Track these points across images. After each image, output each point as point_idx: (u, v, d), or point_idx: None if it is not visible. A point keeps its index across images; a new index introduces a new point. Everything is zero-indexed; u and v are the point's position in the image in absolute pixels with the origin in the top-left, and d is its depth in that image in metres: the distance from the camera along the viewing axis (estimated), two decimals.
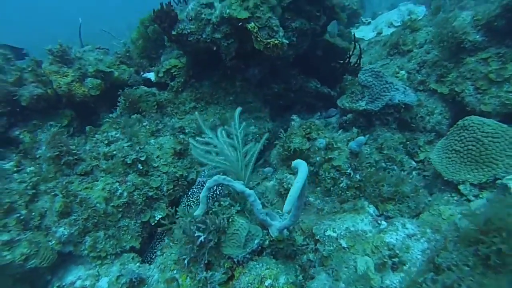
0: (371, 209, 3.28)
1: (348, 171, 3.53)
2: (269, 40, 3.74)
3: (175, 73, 4.93)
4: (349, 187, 3.46)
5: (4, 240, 2.97)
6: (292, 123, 4.24)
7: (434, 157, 3.85)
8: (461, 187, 3.47)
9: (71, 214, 3.17)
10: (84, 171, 3.40)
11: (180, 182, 3.69)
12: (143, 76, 5.33)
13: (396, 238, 2.78)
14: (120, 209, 3.26)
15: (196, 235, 2.43)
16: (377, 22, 7.23)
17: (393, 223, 2.93)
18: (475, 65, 4.44)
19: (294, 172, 3.13)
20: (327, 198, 3.59)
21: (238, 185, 2.47)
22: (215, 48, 4.10)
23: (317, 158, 3.72)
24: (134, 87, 4.48)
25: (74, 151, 3.46)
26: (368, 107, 4.54)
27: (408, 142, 4.48)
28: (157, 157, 3.70)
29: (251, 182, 3.69)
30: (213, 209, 2.68)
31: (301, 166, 1.96)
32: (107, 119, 4.19)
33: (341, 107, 4.87)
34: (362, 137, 3.58)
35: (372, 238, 2.86)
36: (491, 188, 3.35)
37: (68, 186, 3.28)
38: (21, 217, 3.16)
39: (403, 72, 5.25)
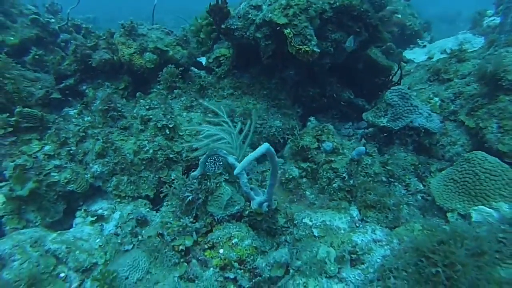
0: (355, 212, 3.62)
1: (344, 174, 3.87)
2: (301, 47, 4.18)
3: (222, 61, 5.56)
4: (340, 189, 3.81)
5: (56, 164, 3.83)
6: (308, 123, 4.64)
7: (433, 182, 4.04)
8: (449, 214, 3.66)
9: (106, 157, 3.93)
10: (123, 126, 4.15)
11: None
12: (196, 59, 6.05)
13: (362, 239, 3.12)
14: (144, 162, 3.96)
15: (185, 195, 3.02)
16: (433, 46, 7.22)
17: (365, 227, 3.26)
18: (506, 104, 4.47)
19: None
20: (321, 195, 3.97)
21: (231, 159, 2.98)
22: (255, 46, 4.62)
23: (321, 159, 4.11)
24: (182, 67, 5.17)
25: (119, 109, 4.24)
26: (389, 124, 4.78)
27: (420, 165, 4.65)
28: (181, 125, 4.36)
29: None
30: (208, 174, 3.26)
31: (263, 145, 2.37)
32: (155, 90, 4.95)
33: (365, 120, 5.14)
34: (362, 147, 3.89)
35: (342, 235, 3.22)
36: None
37: (109, 135, 4.05)
38: (71, 151, 4.00)
39: (436, 99, 5.36)
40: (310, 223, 3.36)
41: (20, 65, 5.30)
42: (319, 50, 4.34)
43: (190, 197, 3.00)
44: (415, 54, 7.24)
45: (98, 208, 3.84)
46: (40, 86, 4.80)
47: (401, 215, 3.53)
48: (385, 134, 4.86)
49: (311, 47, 4.21)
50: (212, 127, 3.41)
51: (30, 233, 3.41)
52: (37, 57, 5.65)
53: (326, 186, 3.93)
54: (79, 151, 3.99)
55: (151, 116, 4.14)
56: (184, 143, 4.15)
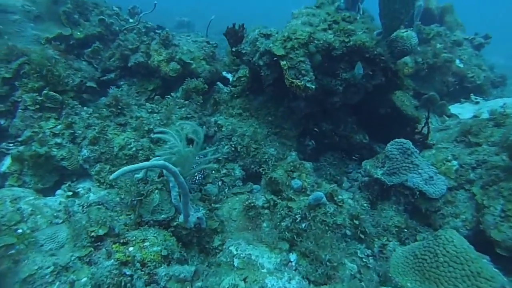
0: (293, 257, 3.48)
1: (297, 216, 3.74)
2: (293, 80, 4.20)
3: (242, 81, 5.79)
4: (288, 229, 3.68)
5: (57, 142, 4.46)
6: (288, 157, 4.57)
7: (398, 250, 3.66)
8: None
9: (96, 145, 4.44)
10: (120, 122, 4.64)
11: None
12: (223, 74, 6.40)
13: (273, 284, 3.01)
14: (127, 157, 4.37)
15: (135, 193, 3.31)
16: (485, 104, 6.40)
17: (283, 273, 3.14)
18: None
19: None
20: (274, 230, 3.89)
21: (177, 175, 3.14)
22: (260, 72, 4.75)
23: (284, 194, 4.03)
24: (195, 79, 5.52)
25: (120, 106, 4.74)
26: (383, 178, 4.46)
27: (406, 230, 4.24)
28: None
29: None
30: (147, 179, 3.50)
31: (159, 162, 2.49)
32: (169, 96, 5.40)
33: (363, 168, 4.86)
34: (319, 193, 3.71)
35: (260, 273, 3.15)
36: None
37: (105, 127, 4.57)
38: (75, 134, 4.62)
39: (454, 162, 4.80)
40: (235, 252, 3.35)
41: (75, 56, 6.28)
42: (313, 87, 4.29)
43: (133, 198, 3.28)
44: (463, 110, 6.50)
45: (81, 187, 4.36)
46: (79, 76, 5.62)
47: (337, 274, 3.29)
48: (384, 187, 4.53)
49: (303, 82, 4.19)
50: (176, 139, 3.63)
51: (17, 191, 4.03)
52: (96, 50, 6.57)
53: (278, 223, 3.84)
54: (81, 135, 4.58)
55: (144, 119, 4.56)
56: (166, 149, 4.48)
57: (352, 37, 4.48)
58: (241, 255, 3.33)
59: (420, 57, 7.12)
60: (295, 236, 3.66)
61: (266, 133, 5.33)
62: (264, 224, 4.01)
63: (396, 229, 4.24)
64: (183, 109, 5.04)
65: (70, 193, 4.11)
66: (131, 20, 8.31)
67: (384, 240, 4.16)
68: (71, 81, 5.31)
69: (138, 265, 2.96)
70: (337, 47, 4.46)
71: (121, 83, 6.32)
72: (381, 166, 4.60)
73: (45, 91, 4.74)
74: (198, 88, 5.35)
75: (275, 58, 4.30)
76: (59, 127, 4.63)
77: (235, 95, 5.68)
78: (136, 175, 3.55)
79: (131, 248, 3.04)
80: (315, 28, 4.41)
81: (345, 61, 4.68)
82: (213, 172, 4.98)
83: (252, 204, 4.10)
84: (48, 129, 4.57)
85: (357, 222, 3.92)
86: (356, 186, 5.22)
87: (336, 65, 4.72)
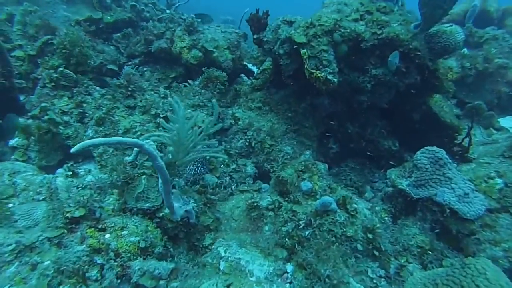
0: (290, 267, 3.07)
1: (301, 222, 3.31)
2: (313, 71, 3.78)
3: (265, 74, 5.44)
4: (290, 235, 3.26)
5: (65, 120, 4.36)
6: (301, 156, 4.13)
7: (415, 275, 3.12)
8: None
9: (101, 126, 4.28)
10: (129, 105, 4.46)
11: None
12: (249, 67, 6.08)
13: None
14: None
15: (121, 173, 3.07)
16: None
17: (273, 284, 2.75)
18: None
19: None
20: (274, 234, 3.49)
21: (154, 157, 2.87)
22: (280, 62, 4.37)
23: (292, 196, 3.62)
24: (214, 69, 5.21)
25: (131, 88, 4.56)
26: (408, 189, 3.91)
27: (430, 252, 3.67)
28: None
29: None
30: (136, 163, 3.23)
31: (134, 140, 2.18)
32: (186, 84, 5.17)
33: (387, 177, 4.32)
34: (328, 198, 3.25)
35: (247, 282, 2.78)
36: None
37: (113, 109, 4.41)
38: (85, 114, 4.50)
39: (499, 181, 4.12)
40: (223, 254, 3.00)
41: (103, 40, 6.27)
42: (335, 80, 3.84)
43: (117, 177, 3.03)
44: None
45: (83, 168, 4.23)
46: (101, 58, 5.56)
47: None
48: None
49: (324, 74, 3.76)
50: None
51: (18, 166, 3.97)
52: (125, 35, 6.52)
53: (280, 227, 3.43)
54: (90, 116, 4.45)
55: (154, 103, 4.35)
56: None
57: (385, 29, 3.98)
58: (229, 258, 2.98)
59: (468, 61, 6.35)
60: (296, 244, 3.24)
61: (285, 129, 4.93)
62: (266, 227, 3.62)
63: (419, 249, 3.67)
64: (197, 97, 4.78)
65: (70, 173, 3.97)
66: (167, 11, 8.26)
67: (402, 261, 3.61)
68: (92, 62, 5.24)
69: (111, 254, 2.69)
70: (367, 39, 3.98)
71: (144, 69, 6.20)
72: (407, 176, 4.04)
73: (60, 69, 4.68)
74: (217, 78, 5.06)
75: (295, 46, 3.90)
76: (70, 105, 4.53)
77: (256, 88, 5.33)
78: (126, 158, 3.31)
79: (107, 235, 2.78)
80: (343, 16, 3.96)
81: (375, 55, 4.18)
82: (222, 166, 4.67)
83: (255, 204, 3.73)
84: (59, 107, 4.49)
85: (371, 236, 3.41)
86: (379, 197, 4.67)
87: (365, 59, 4.23)
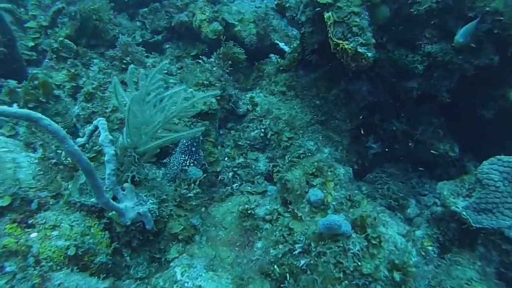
0: None
1: (297, 246, 2.39)
2: (339, 41, 2.80)
3: (294, 53, 4.51)
4: (279, 262, 2.38)
5: (55, 94, 3.86)
6: (318, 154, 3.15)
7: None
8: None
9: (90, 102, 3.69)
10: (124, 80, 3.80)
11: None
12: (280, 45, 5.18)
13: None
14: (118, 121, 3.52)
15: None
16: None
17: None
18: None
19: None
20: (265, 255, 2.62)
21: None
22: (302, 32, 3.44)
23: (294, 207, 2.70)
24: (231, 44, 4.38)
25: (126, 61, 3.93)
26: (465, 214, 2.78)
27: None
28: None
29: None
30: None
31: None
32: (200, 60, 4.48)
33: (438, 192, 3.20)
34: (336, 218, 2.28)
35: None
36: None
37: (106, 83, 3.81)
38: (79, 88, 4.01)
39: None
40: (179, 278, 2.23)
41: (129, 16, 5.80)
42: (370, 54, 2.81)
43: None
44: None
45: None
46: (117, 31, 5.06)
47: None
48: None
49: (353, 45, 2.76)
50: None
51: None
52: (152, 10, 5.98)
53: (270, 248, 2.55)
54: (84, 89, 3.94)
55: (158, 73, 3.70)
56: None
57: None
58: (186, 285, 2.18)
59: None
60: (287, 275, 2.34)
61: (309, 120, 3.98)
62: (259, 244, 2.77)
63: None
64: (204, 74, 4.02)
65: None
66: None
67: None
68: (106, 35, 4.76)
69: (31, 260, 2.06)
70: (420, 0, 2.88)
71: (167, 46, 5.61)
72: (465, 195, 2.89)
73: (60, 39, 4.23)
74: (234, 56, 4.25)
75: (318, 9, 2.94)
76: (63, 78, 4.04)
77: (281, 69, 4.43)
78: (78, 139, 2.65)
79: (33, 235, 2.16)
80: None
81: (432, 26, 3.05)
82: (227, 158, 3.88)
83: (249, 212, 2.89)
84: (60, 78, 4.03)
85: (399, 276, 2.38)
86: (425, 217, 3.54)
87: (416, 31, 3.12)
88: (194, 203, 2.75)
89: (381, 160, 4.26)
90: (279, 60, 4.53)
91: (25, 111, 1.54)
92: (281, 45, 5.24)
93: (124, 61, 3.95)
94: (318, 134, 3.91)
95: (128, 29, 5.28)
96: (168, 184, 2.84)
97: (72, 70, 3.99)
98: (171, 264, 2.42)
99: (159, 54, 5.26)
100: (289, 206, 2.77)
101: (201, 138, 3.29)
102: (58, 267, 2.08)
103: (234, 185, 3.64)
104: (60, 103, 3.87)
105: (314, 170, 2.81)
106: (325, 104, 3.99)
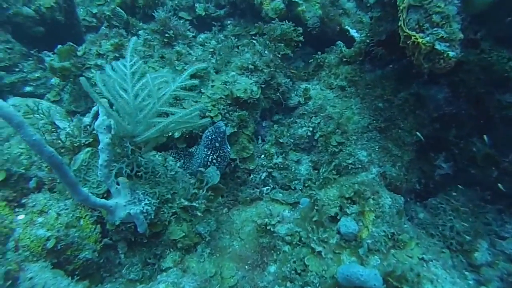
0: None
1: None
2: (411, 33, 2.15)
3: (361, 43, 3.83)
4: None
5: (97, 63, 3.75)
6: (363, 174, 2.54)
7: None
8: None
9: None
10: (163, 55, 3.53)
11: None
12: (351, 32, 4.48)
13: None
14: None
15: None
16: None
17: None
18: None
19: None
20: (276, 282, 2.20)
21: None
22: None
23: (319, 237, 2.20)
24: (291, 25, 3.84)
25: (168, 35, 3.61)
26: None
27: None
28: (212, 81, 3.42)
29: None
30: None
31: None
32: (250, 40, 4.08)
33: None
34: (361, 269, 1.72)
35: None
36: None
37: (145, 57, 3.60)
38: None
39: None
40: None
41: None
42: (453, 54, 2.10)
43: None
44: None
45: None
46: (171, 4, 4.81)
47: None
48: None
49: (429, 40, 2.09)
50: None
51: (42, 105, 3.61)
52: None
53: (280, 280, 2.11)
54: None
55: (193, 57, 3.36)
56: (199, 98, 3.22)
57: None
58: None
59: None
60: None
61: (366, 125, 3.35)
62: (272, 268, 2.34)
63: None
64: (250, 55, 3.55)
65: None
66: None
67: None
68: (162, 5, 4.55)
69: (11, 244, 1.92)
70: None
71: (228, 22, 5.24)
72: None
73: (112, 6, 4.09)
74: (286, 37, 3.71)
75: None
76: (107, 47, 3.91)
77: (345, 60, 3.79)
78: (84, 119, 2.42)
79: (20, 217, 2.01)
80: None
81: None
82: (263, 156, 3.44)
83: (268, 227, 2.46)
84: (105, 47, 3.92)
85: None
86: (499, 270, 2.76)
87: None
88: (202, 208, 2.38)
89: (450, 183, 3.48)
90: (343, 49, 3.88)
91: None
92: (352, 32, 4.53)
93: (166, 35, 3.68)
94: (375, 143, 3.27)
95: (187, 2, 4.99)
96: (184, 180, 2.51)
97: (116, 40, 3.83)
98: (159, 276, 2.12)
99: (218, 30, 4.93)
100: (314, 231, 2.27)
101: (226, 133, 2.89)
102: (34, 258, 1.90)
103: (265, 189, 3.22)
104: (102, 73, 3.77)
105: (353, 194, 2.26)
106: (389, 108, 3.31)
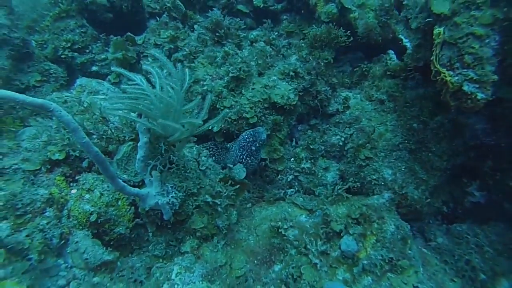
0: None
1: None
2: (441, 69, 2.20)
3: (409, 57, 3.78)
4: None
5: (150, 53, 4.11)
6: (374, 197, 2.63)
7: None
8: None
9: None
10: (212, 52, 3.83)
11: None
12: (404, 41, 4.39)
13: None
14: (195, 95, 3.61)
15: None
16: None
17: None
18: None
19: None
20: (274, 283, 2.46)
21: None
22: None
23: (318, 249, 2.40)
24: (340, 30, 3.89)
25: (218, 34, 3.83)
26: None
27: None
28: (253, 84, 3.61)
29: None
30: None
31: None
32: (297, 43, 4.20)
33: None
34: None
35: None
36: None
37: (196, 53, 3.86)
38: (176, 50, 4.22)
39: None
40: (173, 277, 2.26)
41: None
42: (482, 96, 2.12)
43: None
44: None
45: None
46: None
47: None
48: None
49: (457, 80, 2.12)
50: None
51: (103, 87, 4.14)
52: None
53: (278, 280, 2.36)
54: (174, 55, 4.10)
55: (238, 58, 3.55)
56: (239, 99, 3.46)
57: None
58: (176, 287, 2.21)
59: None
60: None
61: (397, 143, 3.40)
62: (277, 267, 2.60)
63: None
64: (294, 60, 3.67)
65: None
66: None
67: None
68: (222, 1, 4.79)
69: (65, 212, 2.38)
70: None
71: (284, 17, 5.35)
72: None
73: None
74: (328, 39, 3.77)
75: (430, 19, 2.31)
76: (164, 39, 4.25)
77: (389, 73, 3.79)
78: (131, 114, 2.77)
79: (73, 191, 2.46)
80: None
81: None
82: (292, 159, 3.64)
83: (279, 230, 2.71)
84: (163, 38, 4.28)
85: None
86: None
87: None
88: (224, 205, 2.67)
89: (480, 213, 3.43)
90: (389, 62, 3.87)
91: (40, 100, 1.64)
92: (405, 41, 4.43)
93: (217, 34, 3.91)
94: (402, 163, 3.32)
95: None
96: (212, 178, 2.82)
97: (173, 33, 4.16)
98: (175, 258, 2.48)
99: (273, 26, 5.06)
100: (312, 244, 2.47)
101: (266, 141, 3.15)
102: (80, 227, 2.34)
103: (289, 191, 3.44)
104: (156, 62, 4.13)
105: (359, 215, 2.40)
106: (423, 130, 3.31)
